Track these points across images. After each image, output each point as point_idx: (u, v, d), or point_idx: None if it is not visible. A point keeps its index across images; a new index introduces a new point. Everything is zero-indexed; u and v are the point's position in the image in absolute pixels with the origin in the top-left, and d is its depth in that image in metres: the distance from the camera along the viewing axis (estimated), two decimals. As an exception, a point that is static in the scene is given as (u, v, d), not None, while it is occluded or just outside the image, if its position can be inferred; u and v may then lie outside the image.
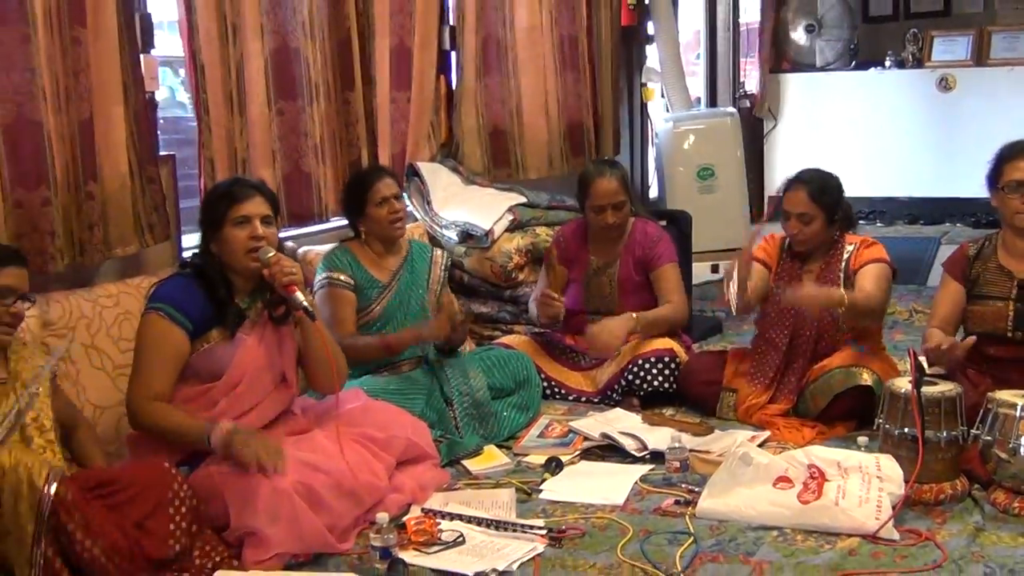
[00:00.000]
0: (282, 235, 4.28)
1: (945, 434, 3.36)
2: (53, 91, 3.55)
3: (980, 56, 7.93)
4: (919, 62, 8.08)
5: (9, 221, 3.42)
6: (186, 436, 3.21)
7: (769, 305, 4.28)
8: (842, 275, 4.13)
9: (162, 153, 4.07)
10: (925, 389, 3.37)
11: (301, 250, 4.55)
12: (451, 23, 5.61)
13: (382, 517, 3.15)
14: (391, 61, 5.11)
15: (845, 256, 4.15)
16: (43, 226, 3.50)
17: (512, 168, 6.01)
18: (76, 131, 3.63)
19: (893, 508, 3.17)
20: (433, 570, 3.06)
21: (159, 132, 4.12)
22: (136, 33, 3.85)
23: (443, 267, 4.39)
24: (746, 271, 3.98)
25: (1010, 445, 3.24)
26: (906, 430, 3.38)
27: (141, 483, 2.91)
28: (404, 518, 3.34)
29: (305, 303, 3.37)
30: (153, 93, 4.02)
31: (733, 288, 3.96)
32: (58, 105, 3.57)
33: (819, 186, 4.14)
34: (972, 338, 3.66)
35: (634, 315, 4.44)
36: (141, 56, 3.89)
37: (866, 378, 3.93)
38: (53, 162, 3.52)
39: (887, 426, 3.46)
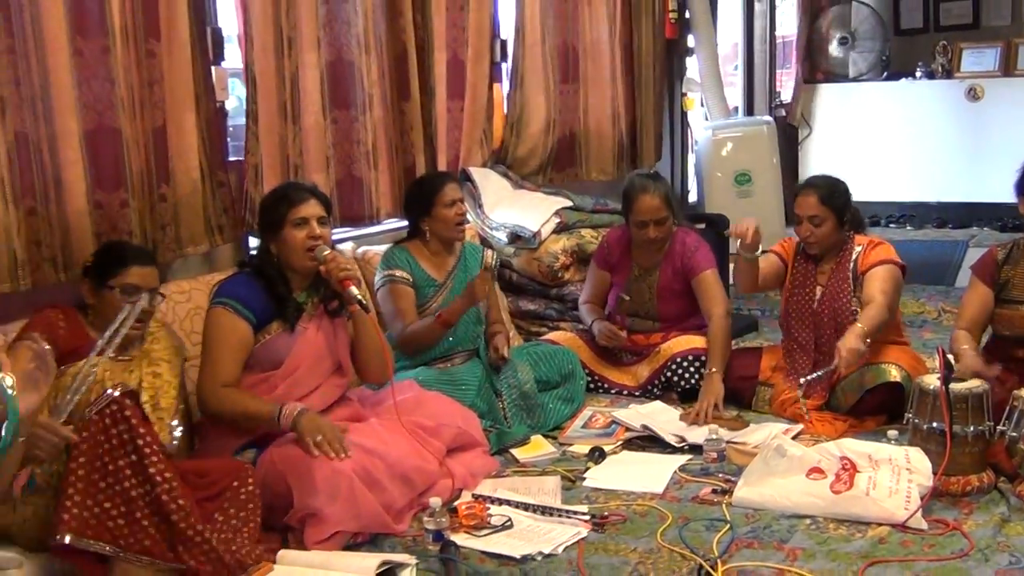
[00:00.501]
0: (336, 236, 4.35)
1: (972, 429, 3.33)
2: (130, 100, 3.59)
3: (1007, 67, 7.86)
4: (948, 73, 8.01)
5: (90, 221, 3.47)
6: (255, 418, 3.26)
7: (790, 305, 4.26)
8: (851, 276, 4.10)
9: (231, 159, 4.10)
10: (953, 386, 3.35)
11: (360, 250, 4.57)
12: (502, 37, 5.62)
13: (435, 502, 3.17)
14: (448, 73, 5.12)
15: (854, 257, 4.12)
16: (121, 226, 3.54)
17: (573, 171, 6.06)
18: (150, 138, 3.67)
19: (921, 499, 3.15)
20: (483, 552, 3.07)
21: (228, 139, 4.14)
22: (208, 46, 3.88)
23: (493, 266, 4.39)
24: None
25: (1035, 440, 3.21)
26: (935, 425, 3.36)
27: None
28: (455, 503, 3.35)
29: (359, 296, 3.43)
30: (223, 102, 4.05)
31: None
32: (134, 113, 3.61)
33: (828, 191, 4.13)
34: (997, 368, 3.61)
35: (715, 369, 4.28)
36: (212, 68, 3.92)
37: (894, 374, 3.90)
38: (130, 166, 3.56)
39: (916, 421, 3.44)
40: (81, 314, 3.15)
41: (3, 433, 2.34)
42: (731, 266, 5.06)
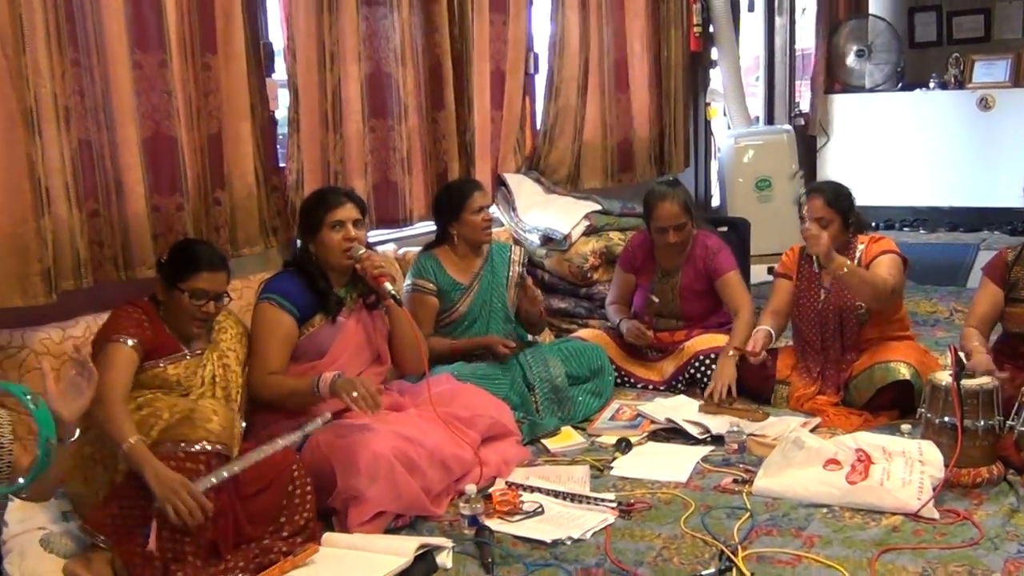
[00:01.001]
0: (377, 238, 4.40)
1: (982, 423, 3.31)
2: (187, 110, 3.62)
3: (1018, 78, 7.79)
4: (961, 84, 7.95)
5: (148, 223, 3.49)
6: (299, 394, 3.31)
7: (798, 307, 4.24)
8: None
9: (282, 165, 4.12)
10: (964, 382, 3.33)
11: (401, 251, 4.59)
12: (535, 50, 5.63)
13: (470, 488, 3.19)
14: (488, 84, 5.13)
15: (858, 255, 4.09)
16: (176, 227, 3.56)
17: (602, 178, 6.04)
18: (206, 145, 3.69)
19: (933, 490, 3.14)
20: (515, 537, 3.08)
21: (279, 146, 4.17)
22: (261, 59, 3.90)
23: (520, 263, 4.38)
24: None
25: (1043, 434, 3.19)
26: (946, 419, 3.33)
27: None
28: (490, 490, 3.36)
29: (393, 292, 3.51)
30: (274, 112, 4.06)
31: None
32: (190, 122, 3.64)
33: (834, 194, 4.13)
34: (1005, 375, 3.54)
35: (732, 351, 4.28)
36: (265, 80, 3.94)
37: (904, 372, 3.87)
38: (185, 172, 3.59)
39: (929, 415, 3.42)
40: (156, 308, 3.16)
41: (39, 451, 2.36)
42: (751, 267, 5.06)
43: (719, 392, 4.11)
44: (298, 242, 3.70)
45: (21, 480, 2.37)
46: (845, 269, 3.89)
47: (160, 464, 2.77)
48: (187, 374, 3.12)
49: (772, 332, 4.18)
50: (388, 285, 3.50)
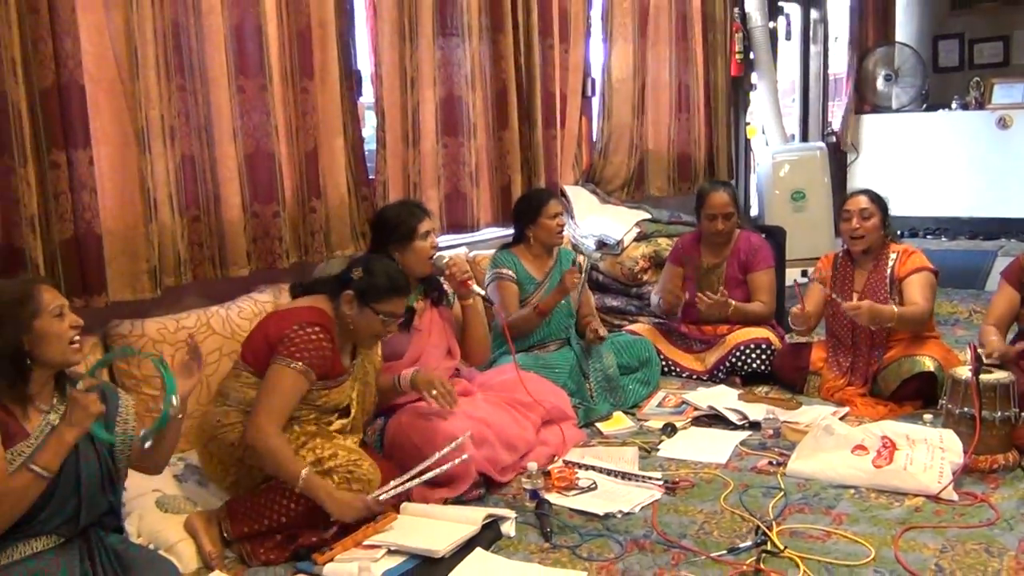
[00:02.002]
0: (448, 243, 4.47)
1: (999, 414, 3.26)
2: (286, 129, 3.67)
3: (1034, 99, 7.63)
4: (981, 105, 7.81)
5: (247, 228, 3.55)
6: (386, 391, 3.30)
7: (831, 308, 4.17)
8: (888, 281, 4.02)
9: (371, 177, 4.15)
10: (983, 376, 3.29)
11: (471, 254, 4.61)
12: (592, 75, 5.62)
13: (532, 466, 3.19)
14: (551, 105, 5.13)
15: (890, 264, 4.03)
16: (273, 232, 3.62)
17: (666, 187, 6.06)
18: (303, 159, 3.74)
19: (953, 474, 3.10)
20: (571, 509, 3.08)
21: (370, 162, 4.21)
22: (352, 83, 3.94)
23: (584, 269, 4.37)
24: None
25: (1055, 425, 3.13)
26: (966, 410, 3.29)
27: None
28: (549, 467, 3.37)
29: (482, 291, 3.60)
30: (362, 130, 4.10)
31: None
32: (289, 139, 3.69)
33: (874, 193, 4.14)
34: (1022, 344, 3.52)
35: (732, 303, 4.39)
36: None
37: (928, 365, 3.82)
38: (283, 183, 3.64)
39: (949, 406, 3.37)
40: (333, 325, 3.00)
41: (163, 407, 2.43)
42: (787, 271, 5.01)
43: (704, 300, 4.29)
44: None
45: (143, 432, 2.44)
46: (893, 323, 3.86)
47: (331, 488, 2.80)
48: (344, 394, 3.07)
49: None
50: (476, 287, 3.59)
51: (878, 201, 4.09)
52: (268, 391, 2.85)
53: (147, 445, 2.46)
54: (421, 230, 3.48)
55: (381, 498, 2.84)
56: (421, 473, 2.92)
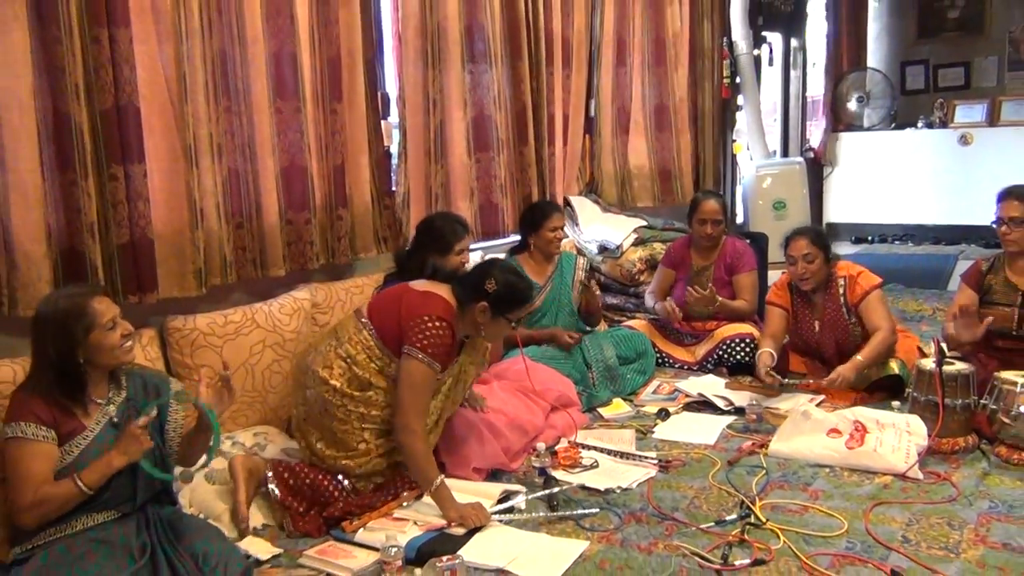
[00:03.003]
0: (477, 247, 4.42)
1: (960, 402, 3.24)
2: (317, 146, 3.66)
3: (993, 118, 7.61)
4: (944, 124, 7.78)
5: (282, 233, 3.54)
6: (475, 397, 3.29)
7: (795, 337, 4.08)
8: (844, 308, 3.89)
9: (393, 188, 4.14)
10: (946, 367, 3.27)
11: (487, 257, 4.59)
12: (594, 97, 5.60)
13: (541, 446, 3.19)
14: (559, 125, 5.12)
15: (841, 291, 3.87)
16: (305, 237, 3.61)
17: (651, 199, 5.97)
18: (332, 173, 3.73)
19: (918, 455, 3.07)
20: (576, 485, 3.06)
21: (392, 175, 4.19)
22: (378, 105, 3.93)
23: (583, 269, 4.35)
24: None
25: (1012, 412, 3.12)
26: (930, 397, 3.27)
27: None
28: (556, 447, 3.35)
29: None
30: (388, 147, 4.09)
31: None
32: (320, 155, 3.68)
33: (815, 233, 3.96)
34: (990, 318, 3.49)
35: (719, 298, 4.34)
36: (381, 121, 3.97)
37: (894, 368, 3.77)
38: (314, 194, 3.63)
39: (915, 394, 3.35)
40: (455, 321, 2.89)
41: (212, 443, 2.43)
42: (768, 272, 4.98)
43: (693, 294, 4.26)
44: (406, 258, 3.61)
45: (193, 470, 2.47)
46: (865, 371, 3.70)
47: (456, 501, 2.73)
48: (449, 383, 2.98)
49: (773, 353, 3.91)
50: None
51: (818, 241, 3.88)
52: (411, 389, 2.76)
53: (197, 475, 2.44)
54: (458, 247, 3.49)
55: (492, 512, 2.77)
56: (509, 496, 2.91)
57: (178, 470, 2.54)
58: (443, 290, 2.92)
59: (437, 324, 2.80)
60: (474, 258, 4.26)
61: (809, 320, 4.01)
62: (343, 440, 2.87)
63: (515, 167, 4.77)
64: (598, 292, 4.33)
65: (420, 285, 2.95)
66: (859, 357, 3.69)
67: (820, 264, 3.88)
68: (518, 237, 4.48)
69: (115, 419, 2.39)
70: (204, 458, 2.46)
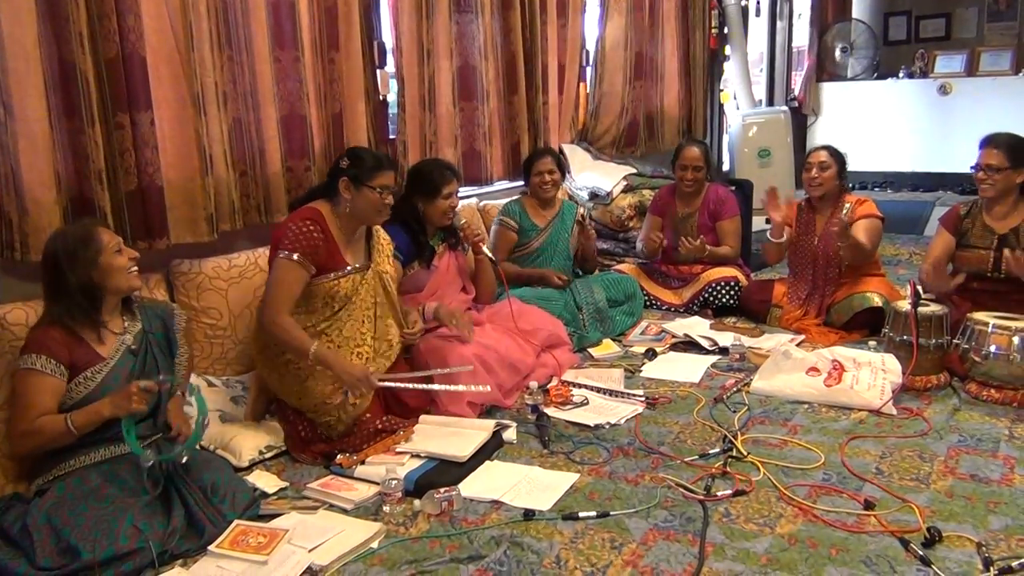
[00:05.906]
0: (464, 193, 4.39)
1: (934, 341, 3.26)
2: (316, 95, 3.61)
3: (972, 69, 7.52)
4: (925, 74, 7.70)
5: (283, 180, 3.51)
6: (409, 315, 3.28)
7: (796, 247, 4.17)
8: (842, 225, 3.95)
9: (392, 137, 4.10)
10: (920, 309, 3.28)
11: (481, 203, 4.58)
12: (587, 47, 5.52)
13: (533, 384, 3.20)
14: (552, 74, 5.05)
15: (844, 211, 3.97)
16: (305, 183, 3.56)
17: (636, 146, 5.92)
18: (331, 121, 3.68)
19: (893, 392, 3.09)
20: (567, 421, 3.09)
21: (389, 123, 4.15)
22: (374, 55, 3.87)
23: (582, 216, 4.33)
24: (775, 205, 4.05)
25: (982, 352, 3.13)
26: (905, 337, 3.28)
27: None
28: (548, 385, 3.37)
29: (488, 252, 3.56)
30: (385, 96, 4.04)
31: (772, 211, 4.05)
32: (319, 104, 3.63)
33: (834, 149, 4.10)
34: (962, 276, 3.53)
35: (708, 248, 4.38)
36: (377, 71, 3.91)
37: (876, 301, 3.81)
38: (313, 141, 3.59)
39: (891, 334, 3.36)
40: (325, 218, 2.86)
41: (195, 429, 2.43)
42: (753, 219, 4.97)
43: (685, 245, 4.28)
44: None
45: (178, 449, 2.40)
46: (851, 240, 3.80)
47: (344, 360, 2.79)
48: (353, 288, 2.92)
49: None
50: (485, 248, 3.57)
51: (836, 156, 4.06)
52: (269, 284, 2.78)
53: (184, 460, 2.38)
54: (445, 191, 3.45)
55: (380, 383, 2.83)
56: (427, 380, 2.94)
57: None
58: (312, 203, 2.92)
59: (300, 224, 2.79)
60: (466, 204, 4.27)
61: (811, 232, 4.12)
62: (286, 386, 2.91)
63: (503, 116, 4.71)
64: (593, 234, 4.31)
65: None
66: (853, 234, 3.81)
67: (832, 175, 4.03)
68: (505, 184, 4.49)
69: (132, 347, 2.45)
70: (184, 447, 2.41)
